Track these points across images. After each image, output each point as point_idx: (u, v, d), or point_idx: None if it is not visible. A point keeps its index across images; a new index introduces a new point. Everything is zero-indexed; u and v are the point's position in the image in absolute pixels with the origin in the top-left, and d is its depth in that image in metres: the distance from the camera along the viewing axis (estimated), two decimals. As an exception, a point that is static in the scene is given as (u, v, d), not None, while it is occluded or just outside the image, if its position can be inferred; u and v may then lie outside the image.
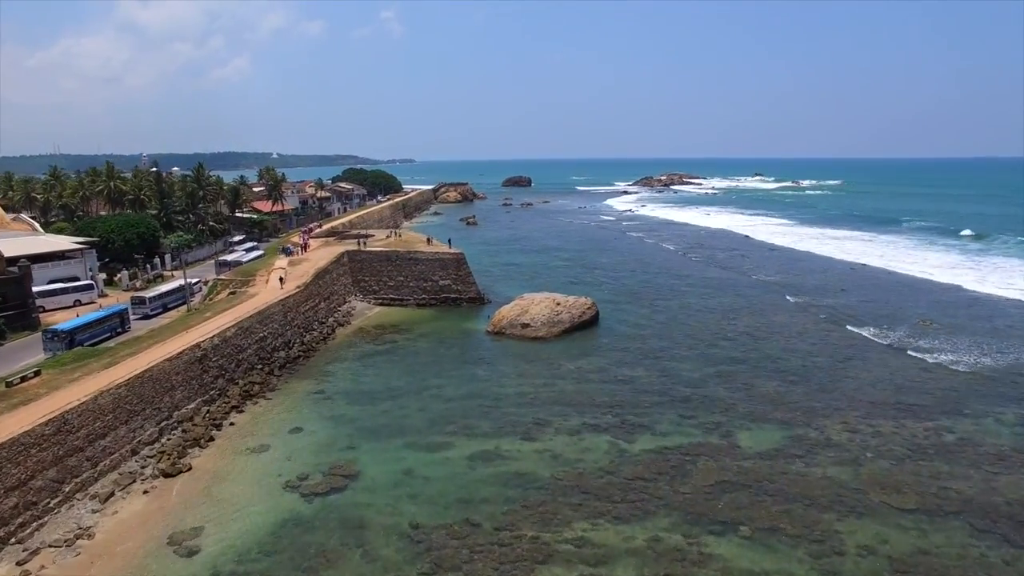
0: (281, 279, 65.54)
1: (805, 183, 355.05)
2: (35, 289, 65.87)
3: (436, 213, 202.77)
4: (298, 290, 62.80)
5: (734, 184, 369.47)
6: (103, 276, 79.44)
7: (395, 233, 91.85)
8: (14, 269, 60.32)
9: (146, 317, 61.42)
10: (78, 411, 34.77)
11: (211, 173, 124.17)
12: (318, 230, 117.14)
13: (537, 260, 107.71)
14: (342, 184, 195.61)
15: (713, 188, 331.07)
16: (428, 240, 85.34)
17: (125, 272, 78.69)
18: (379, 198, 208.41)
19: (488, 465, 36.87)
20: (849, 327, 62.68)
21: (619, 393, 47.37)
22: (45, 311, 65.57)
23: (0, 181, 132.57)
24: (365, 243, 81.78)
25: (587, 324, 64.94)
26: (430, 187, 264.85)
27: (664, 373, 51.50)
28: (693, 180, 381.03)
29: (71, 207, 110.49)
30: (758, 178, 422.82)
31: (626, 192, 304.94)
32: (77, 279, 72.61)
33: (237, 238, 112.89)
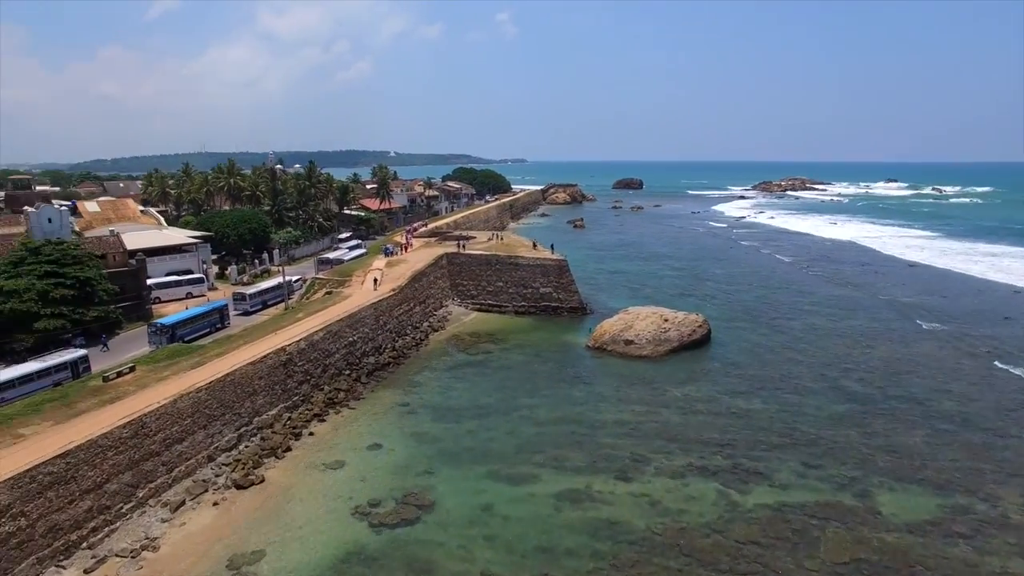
0: (376, 280, 64.27)
1: (948, 190, 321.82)
2: (152, 281, 68.49)
3: (543, 215, 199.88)
4: (392, 293, 61.18)
5: (862, 190, 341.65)
6: (215, 269, 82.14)
7: (497, 236, 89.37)
8: (132, 262, 62.60)
9: (246, 313, 61.97)
10: (156, 414, 33.92)
11: (323, 171, 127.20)
12: (422, 229, 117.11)
13: (645, 268, 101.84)
14: (451, 183, 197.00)
15: (839, 194, 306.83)
16: (534, 244, 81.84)
17: (234, 267, 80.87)
18: (487, 198, 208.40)
19: (576, 507, 32.70)
20: (1016, 368, 53.00)
21: (731, 429, 41.70)
22: (161, 302, 68.00)
23: (144, 177, 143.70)
24: (465, 245, 79.61)
25: (697, 344, 59.09)
26: (539, 188, 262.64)
27: (785, 408, 45.11)
28: (817, 185, 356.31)
29: (198, 201, 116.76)
30: (891, 184, 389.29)
31: (743, 197, 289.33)
32: (191, 272, 75.12)
33: (344, 235, 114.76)
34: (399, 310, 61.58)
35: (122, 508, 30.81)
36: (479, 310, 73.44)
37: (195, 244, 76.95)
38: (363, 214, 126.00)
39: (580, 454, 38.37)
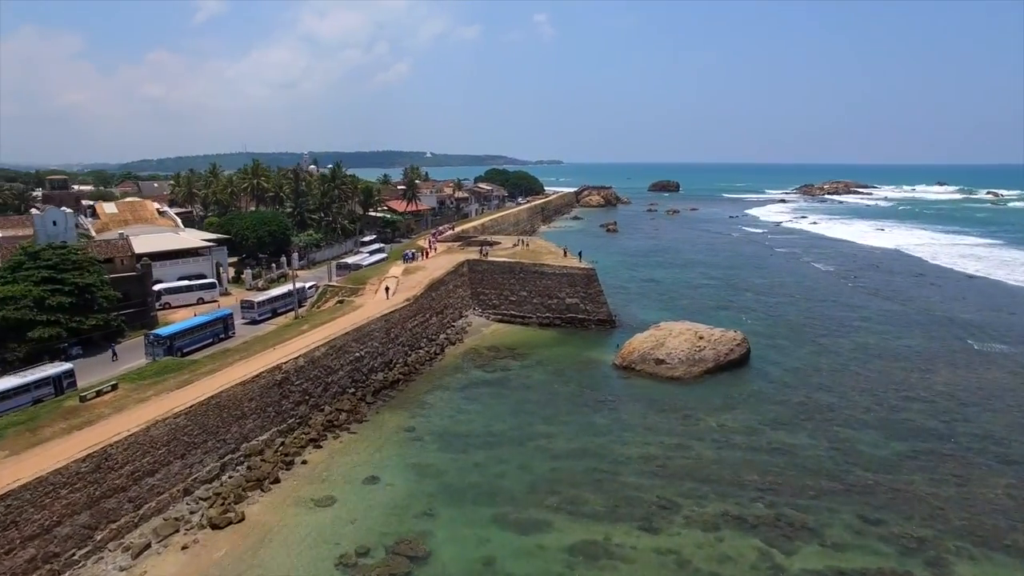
0: (388, 290, 60.61)
1: (1007, 194, 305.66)
2: (162, 286, 66.07)
3: (576, 218, 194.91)
4: (406, 304, 57.30)
5: (908, 194, 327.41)
6: (231, 273, 79.62)
7: (523, 242, 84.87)
8: (139, 266, 60.08)
9: (254, 322, 58.85)
10: (124, 444, 30.44)
11: (348, 171, 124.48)
12: (447, 233, 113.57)
13: (679, 277, 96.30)
14: (481, 185, 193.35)
15: (884, 198, 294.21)
16: (564, 252, 76.75)
17: (250, 271, 78.07)
18: (519, 200, 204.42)
19: (592, 565, 28.16)
20: (1103, 398, 46.61)
21: (774, 469, 36.63)
22: (170, 308, 65.47)
23: (172, 177, 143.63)
24: (488, 252, 75.32)
25: (735, 364, 53.89)
26: (572, 190, 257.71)
27: (836, 444, 39.80)
28: (861, 189, 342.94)
29: (223, 202, 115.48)
30: (940, 187, 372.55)
31: (783, 200, 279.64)
32: (204, 276, 72.57)
33: (368, 238, 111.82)
34: (413, 322, 57.69)
35: (74, 555, 27.30)
36: (501, 321, 69.22)
37: (209, 247, 74.36)
38: (389, 216, 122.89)
39: (599, 496, 33.79)
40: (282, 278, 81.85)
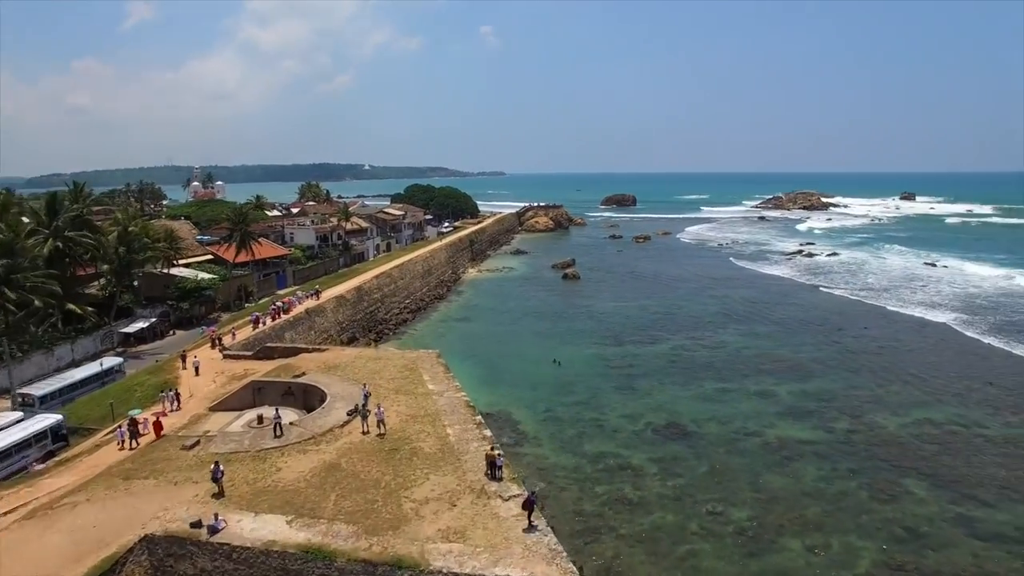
0: None
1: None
2: None
3: (518, 251, 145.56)
4: None
5: (890, 209, 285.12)
6: None
7: (364, 413, 31.43)
8: None
9: None
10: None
11: (119, 199, 71.65)
12: (297, 311, 63.04)
13: (736, 415, 47.68)
14: (389, 210, 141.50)
15: (866, 214, 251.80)
16: (494, 459, 25.81)
17: None
18: (445, 226, 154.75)
19: None
20: None
21: None
22: None
23: None
24: (221, 492, 23.38)
25: None
26: (514, 210, 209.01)
27: None
28: (830, 200, 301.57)
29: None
30: (913, 198, 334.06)
31: (763, 218, 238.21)
32: None
33: (134, 327, 60.09)
34: None
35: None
36: None
37: None
38: (196, 279, 70.28)
39: None
40: None
